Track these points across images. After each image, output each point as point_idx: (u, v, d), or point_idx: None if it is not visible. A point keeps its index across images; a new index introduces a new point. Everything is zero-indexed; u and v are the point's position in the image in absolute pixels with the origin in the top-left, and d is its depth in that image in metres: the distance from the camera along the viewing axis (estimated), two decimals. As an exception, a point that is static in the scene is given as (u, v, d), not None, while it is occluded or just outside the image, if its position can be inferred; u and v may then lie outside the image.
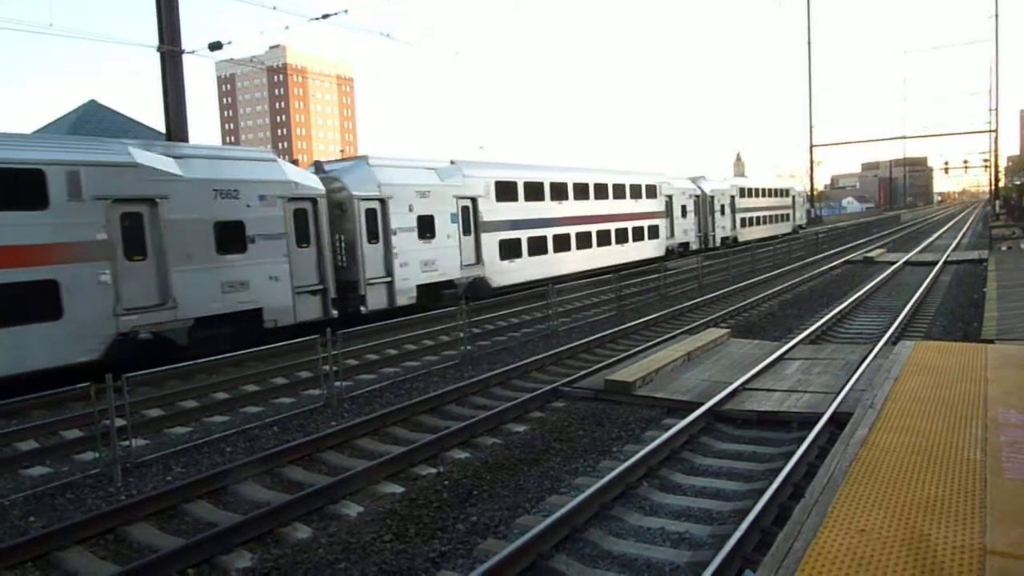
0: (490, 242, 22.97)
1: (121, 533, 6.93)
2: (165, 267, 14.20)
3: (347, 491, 7.59)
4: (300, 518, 7.02)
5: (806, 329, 15.63)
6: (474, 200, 22.40)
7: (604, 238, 29.71)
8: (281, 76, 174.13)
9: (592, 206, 28.96)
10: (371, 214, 18.89)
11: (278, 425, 10.31)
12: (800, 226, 60.92)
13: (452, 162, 22.59)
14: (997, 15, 55.22)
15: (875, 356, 11.61)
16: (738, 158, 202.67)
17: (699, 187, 40.69)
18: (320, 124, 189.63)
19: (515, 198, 24.50)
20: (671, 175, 38.10)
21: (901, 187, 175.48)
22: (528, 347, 15.45)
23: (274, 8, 21.82)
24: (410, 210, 19.90)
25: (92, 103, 34.18)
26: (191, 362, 12.15)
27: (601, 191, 29.76)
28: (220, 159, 16.13)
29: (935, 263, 28.58)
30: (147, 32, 22.07)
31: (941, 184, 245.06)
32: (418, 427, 10.15)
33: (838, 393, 9.62)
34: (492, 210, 23.13)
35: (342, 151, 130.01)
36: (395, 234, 19.39)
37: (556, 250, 26.44)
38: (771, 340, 14.68)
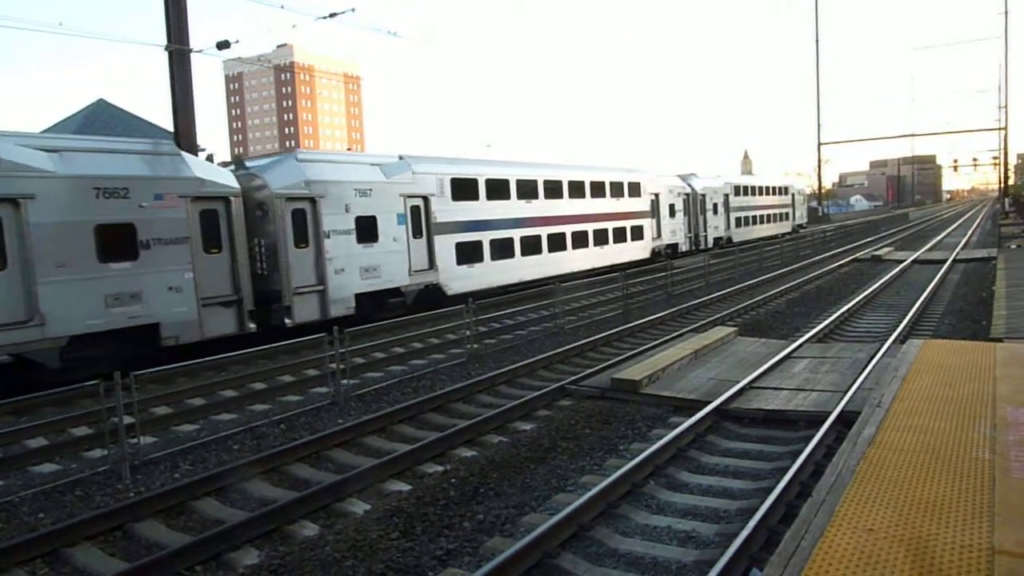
0: (445, 245, 20.91)
1: (129, 530, 6.96)
2: (30, 278, 12.39)
3: (354, 489, 7.60)
4: (307, 515, 7.04)
5: (813, 327, 15.59)
6: (426, 199, 20.36)
7: (581, 240, 27.60)
8: (288, 75, 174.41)
9: (567, 205, 26.93)
10: (299, 215, 16.94)
11: (285, 423, 10.34)
12: (800, 225, 58.93)
13: (400, 157, 20.66)
14: (1007, 12, 55.01)
15: (883, 355, 11.57)
16: (745, 156, 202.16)
17: (689, 185, 38.63)
18: (327, 123, 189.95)
19: (475, 197, 22.45)
20: (658, 172, 36.19)
21: (909, 185, 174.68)
22: (534, 345, 15.45)
23: (281, 7, 21.86)
24: (347, 210, 17.93)
25: (100, 102, 34.39)
26: (199, 360, 12.18)
27: (577, 189, 27.72)
28: (106, 152, 14.23)
29: (943, 261, 28.45)
30: (155, 31, 22.17)
31: (950, 182, 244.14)
32: (425, 425, 10.17)
33: (846, 392, 9.59)
34: (448, 210, 21.14)
35: (349, 149, 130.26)
36: (328, 237, 17.40)
37: (525, 253, 24.32)
38: (778, 338, 14.64)
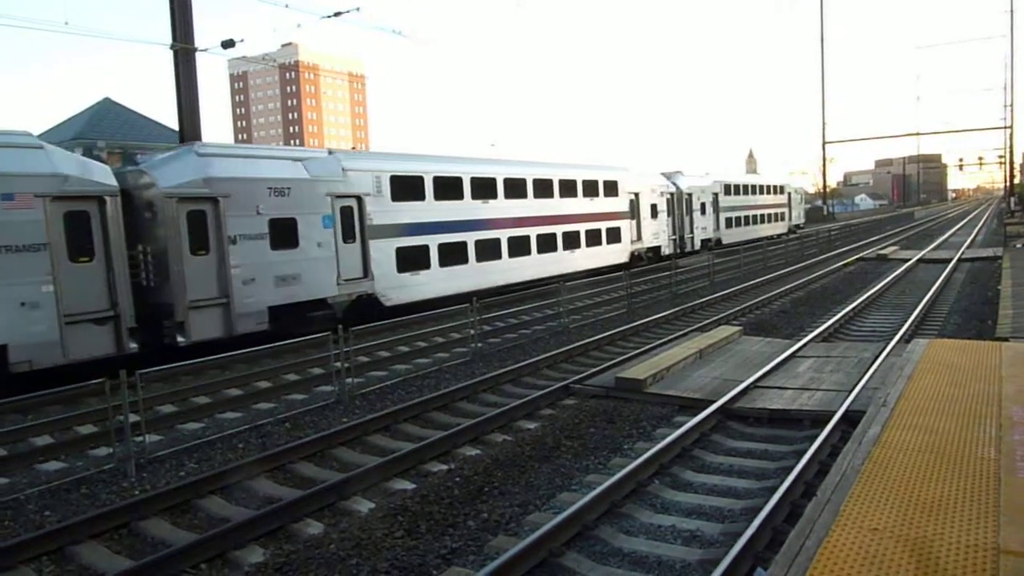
0: (384, 251, 18.76)
1: (135, 528, 6.99)
2: None
3: (359, 487, 7.62)
4: (312, 514, 7.05)
5: (818, 327, 15.57)
6: (359, 199, 18.21)
7: (547, 243, 25.28)
8: (293, 74, 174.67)
9: (532, 206, 24.66)
10: (196, 218, 14.79)
11: (290, 421, 10.36)
12: (797, 226, 56.45)
13: (330, 152, 18.72)
14: (1012, 10, 54.77)
15: (888, 354, 11.55)
16: (750, 155, 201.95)
17: (674, 183, 36.05)
18: (332, 122, 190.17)
19: (420, 196, 20.20)
20: (639, 170, 33.52)
21: (915, 184, 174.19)
22: (539, 344, 15.46)
23: (286, 6, 21.88)
24: (259, 212, 15.78)
25: (106, 101, 34.49)
26: (203, 359, 12.22)
27: (543, 188, 25.44)
28: None
29: (949, 260, 28.38)
30: (161, 30, 22.13)
31: (955, 181, 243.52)
32: (429, 424, 10.18)
33: (851, 391, 9.57)
34: (386, 211, 18.95)
35: (354, 148, 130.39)
36: (234, 243, 15.26)
37: (481, 259, 22.05)
38: (783, 338, 14.62)
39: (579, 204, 27.23)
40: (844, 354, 12.26)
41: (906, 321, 15.63)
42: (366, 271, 18.33)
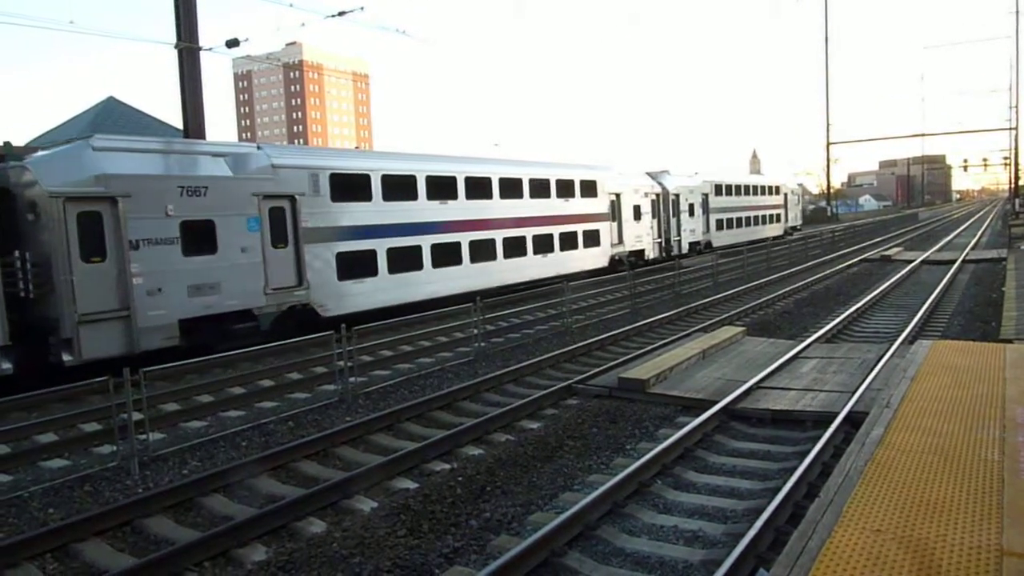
0: (322, 256, 17.19)
1: (138, 526, 7.01)
2: None
3: (361, 486, 7.63)
4: (315, 512, 7.06)
5: (822, 328, 15.54)
6: (292, 199, 16.52)
7: (516, 247, 23.56)
8: (297, 73, 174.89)
9: (497, 207, 22.92)
10: (89, 220, 13.14)
11: (293, 420, 10.38)
12: (794, 228, 54.40)
13: (259, 147, 16.95)
14: (1018, 11, 54.62)
15: (892, 355, 11.53)
16: (754, 155, 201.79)
17: (660, 183, 34.02)
18: (336, 121, 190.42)
19: (366, 196, 18.56)
20: (621, 169, 31.69)
21: (919, 185, 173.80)
22: (542, 344, 15.46)
23: (291, 5, 21.94)
24: (168, 213, 14.06)
25: (110, 100, 34.59)
26: (207, 357, 12.24)
27: (511, 188, 23.60)
28: None
29: (953, 262, 28.32)
30: (165, 29, 22.22)
31: (960, 182, 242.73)
32: (432, 423, 10.18)
33: (854, 392, 9.56)
34: (325, 213, 17.34)
35: (357, 147, 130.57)
36: (137, 248, 13.58)
37: (438, 264, 20.37)
38: (786, 338, 14.61)
39: (552, 205, 25.59)
40: (847, 355, 12.24)
41: (910, 322, 15.61)
42: (300, 279, 16.66)
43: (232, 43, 21.98)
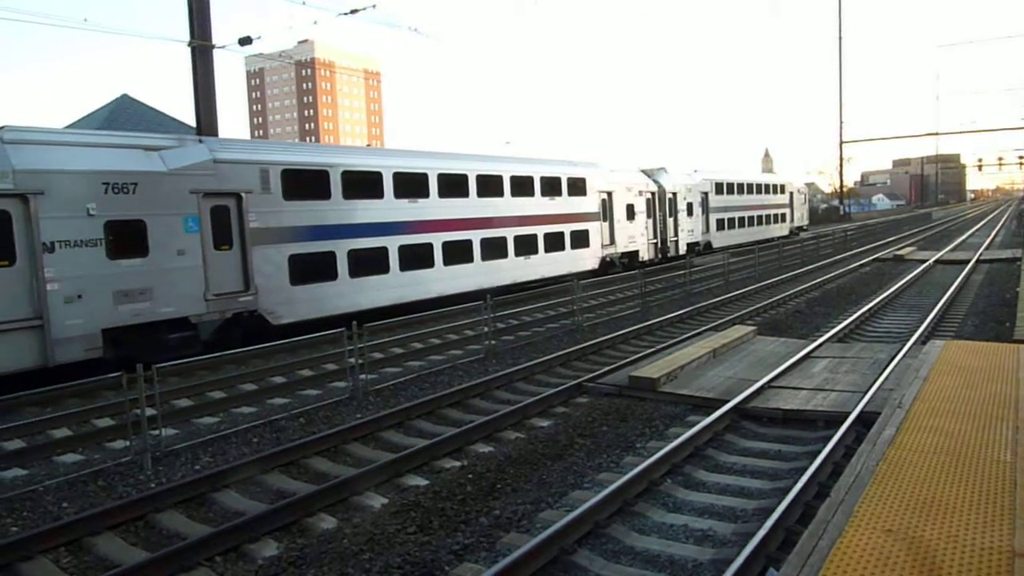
0: (272, 259, 15.80)
1: (151, 520, 7.07)
2: None
3: (372, 483, 7.66)
4: (325, 508, 7.10)
5: (834, 327, 15.48)
6: (239, 196, 15.23)
7: (495, 249, 22.16)
8: (309, 71, 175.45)
9: (474, 206, 21.48)
10: None
11: (304, 416, 10.43)
12: (800, 228, 52.29)
13: (200, 140, 15.71)
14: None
15: (904, 355, 11.48)
16: (766, 154, 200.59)
17: (656, 181, 32.29)
18: (348, 119, 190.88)
19: (324, 194, 17.24)
20: (613, 166, 29.96)
21: (933, 184, 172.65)
22: (552, 342, 15.46)
23: (303, 3, 21.97)
24: (90, 213, 12.85)
25: (124, 97, 34.80)
26: (219, 354, 12.31)
27: (490, 186, 22.18)
28: None
29: (967, 262, 28.13)
30: (178, 27, 22.30)
31: (974, 181, 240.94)
32: (442, 420, 10.22)
33: (866, 392, 9.52)
34: (277, 212, 16.00)
35: (368, 145, 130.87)
36: (52, 251, 12.38)
37: (407, 267, 19.05)
38: (798, 338, 14.55)
39: (536, 204, 24.14)
40: (859, 355, 12.19)
41: (922, 322, 15.52)
42: (247, 283, 15.31)
43: (245, 41, 22.07)
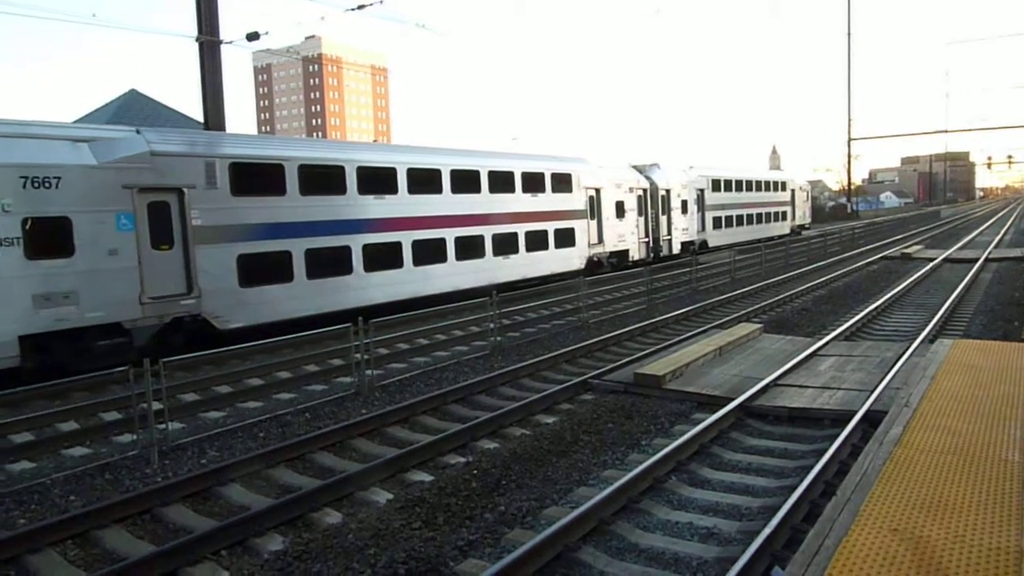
0: (218, 259, 14.75)
1: (157, 514, 7.10)
2: None
3: (377, 478, 7.68)
4: (331, 504, 7.12)
5: (840, 325, 15.43)
6: (180, 192, 14.16)
7: (470, 248, 21.02)
8: (316, 66, 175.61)
9: (448, 202, 20.35)
10: None
11: (310, 412, 10.46)
12: (801, 226, 50.62)
13: (137, 131, 14.27)
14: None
15: (911, 354, 11.43)
16: (774, 151, 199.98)
17: (648, 178, 31.07)
18: (354, 114, 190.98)
19: (279, 190, 16.08)
20: (601, 161, 28.76)
21: (941, 182, 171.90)
22: (558, 339, 15.46)
23: (310, -1, 21.95)
24: (5, 210, 11.97)
25: (132, 92, 34.90)
26: (225, 348, 12.34)
27: (465, 181, 21.02)
28: None
29: (975, 260, 28.00)
30: (186, 23, 22.34)
31: (983, 179, 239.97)
32: (448, 416, 10.23)
33: (872, 391, 9.49)
34: (224, 208, 14.91)
35: (375, 141, 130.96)
36: None
37: (372, 267, 18.03)
38: (804, 336, 14.51)
39: (517, 201, 22.94)
40: (866, 353, 12.15)
41: (930, 321, 15.46)
42: (190, 286, 14.26)
43: (252, 36, 22.11)
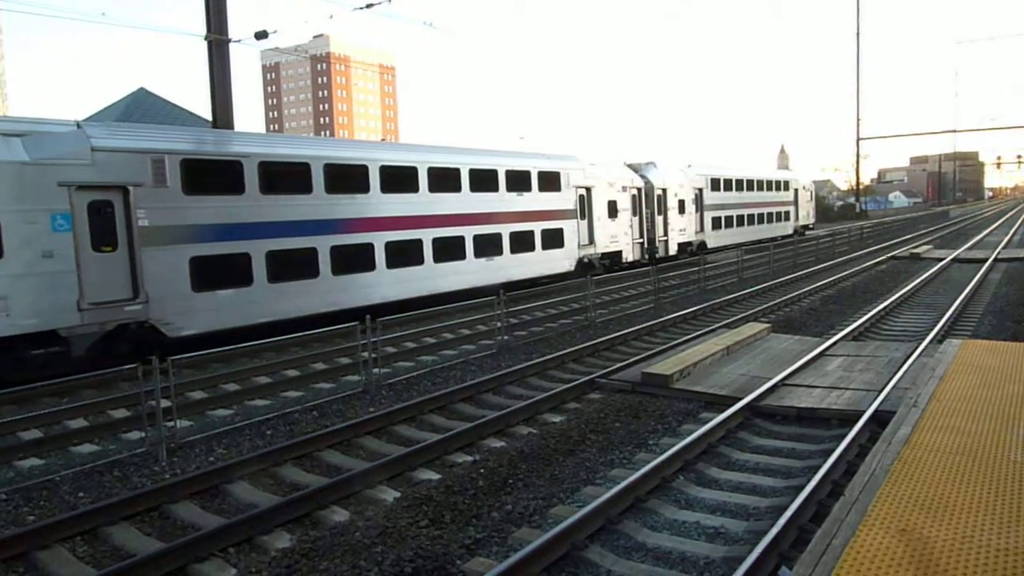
0: (168, 262, 13.80)
1: (166, 511, 7.13)
2: None
3: (384, 476, 7.69)
4: (338, 501, 7.14)
5: (849, 325, 15.37)
6: (125, 191, 13.22)
7: (451, 249, 20.05)
8: (324, 65, 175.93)
9: (426, 201, 19.36)
10: None
11: (317, 410, 10.48)
12: (805, 227, 49.36)
13: (77, 124, 13.34)
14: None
15: (920, 354, 11.39)
16: (782, 150, 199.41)
17: (643, 177, 30.16)
18: (362, 113, 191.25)
19: (237, 188, 15.08)
20: (593, 159, 27.68)
21: (950, 182, 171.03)
22: (565, 338, 15.45)
23: (319, -3, 22.01)
24: None
25: (141, 91, 34.99)
26: (233, 346, 12.37)
27: (445, 180, 20.01)
28: None
29: (984, 260, 27.86)
30: (195, 21, 22.37)
31: (993, 179, 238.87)
32: (455, 415, 10.24)
33: (880, 391, 9.45)
34: (174, 208, 13.95)
35: (383, 139, 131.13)
36: None
37: (342, 270, 17.02)
38: (812, 336, 14.47)
39: (501, 200, 21.95)
40: (874, 353, 12.11)
41: (939, 321, 15.39)
42: (136, 290, 13.30)
43: (261, 35, 22.15)
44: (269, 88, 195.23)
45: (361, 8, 22.51)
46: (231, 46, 20.80)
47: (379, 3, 22.39)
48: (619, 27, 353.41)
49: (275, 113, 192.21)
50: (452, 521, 6.62)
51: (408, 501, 7.04)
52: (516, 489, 7.37)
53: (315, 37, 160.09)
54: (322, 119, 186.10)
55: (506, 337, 14.53)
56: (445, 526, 6.52)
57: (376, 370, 11.74)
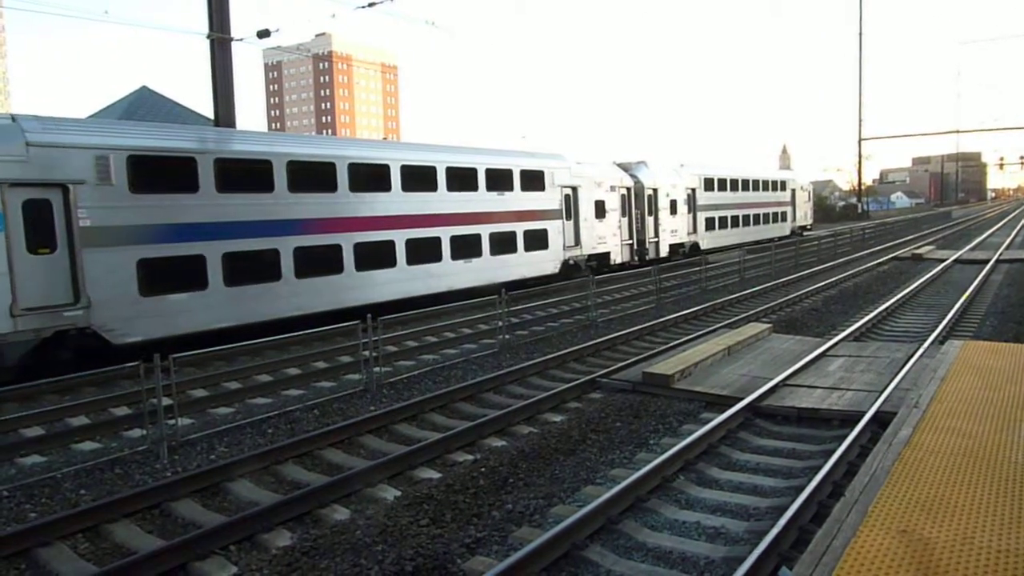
0: (113, 264, 12.98)
1: (167, 508, 7.14)
2: None
3: (385, 475, 7.70)
4: (339, 500, 7.15)
5: (850, 326, 15.36)
6: (64, 188, 12.42)
7: (425, 250, 19.22)
8: (326, 64, 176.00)
9: (400, 201, 18.61)
10: None
11: (318, 408, 10.49)
12: (803, 228, 48.39)
13: (13, 119, 12.54)
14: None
15: (921, 355, 11.38)
16: (784, 151, 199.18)
17: (634, 176, 29.45)
18: (364, 112, 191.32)
19: (191, 186, 14.28)
20: (580, 158, 26.91)
21: (953, 182, 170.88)
22: (566, 338, 15.45)
23: (321, -4, 21.99)
24: None
25: (144, 89, 35.01)
26: (235, 344, 12.38)
27: (419, 178, 19.21)
28: None
29: (986, 261, 27.83)
30: (197, 20, 22.35)
31: (995, 180, 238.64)
32: (456, 414, 10.24)
33: (882, 392, 9.45)
34: (119, 207, 13.11)
35: (385, 138, 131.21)
36: None
37: (306, 273, 16.15)
38: (814, 336, 14.47)
39: (480, 200, 21.11)
40: (876, 354, 12.10)
41: (940, 322, 15.38)
42: (76, 295, 12.51)
43: (263, 34, 22.17)
44: (271, 87, 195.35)
45: (363, 7, 22.53)
46: (233, 45, 20.83)
47: (381, 2, 22.42)
48: (623, 27, 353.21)
49: (277, 112, 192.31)
50: (453, 520, 6.63)
51: (409, 500, 7.04)
52: (517, 488, 7.37)
53: (317, 36, 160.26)
54: (324, 118, 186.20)
55: (507, 336, 14.53)
56: (446, 525, 6.53)
57: (377, 369, 11.75)
